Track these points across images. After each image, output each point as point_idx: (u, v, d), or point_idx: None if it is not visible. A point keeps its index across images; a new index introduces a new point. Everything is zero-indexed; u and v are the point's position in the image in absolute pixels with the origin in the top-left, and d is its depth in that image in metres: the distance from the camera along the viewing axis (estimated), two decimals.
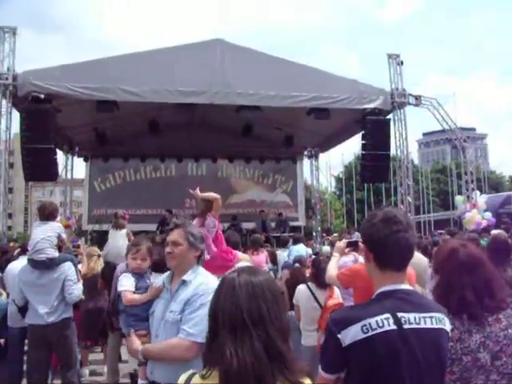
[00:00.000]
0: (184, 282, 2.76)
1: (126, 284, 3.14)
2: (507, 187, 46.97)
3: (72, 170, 17.02)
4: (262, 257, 8.52)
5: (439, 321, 1.78)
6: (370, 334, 1.69)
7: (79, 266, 6.45)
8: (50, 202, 5.55)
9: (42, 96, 10.49)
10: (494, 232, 8.14)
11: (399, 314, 1.72)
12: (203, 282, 2.73)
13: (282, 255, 9.85)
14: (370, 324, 1.70)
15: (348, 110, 12.39)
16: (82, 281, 5.43)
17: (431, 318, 1.76)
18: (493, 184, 41.64)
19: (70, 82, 10.56)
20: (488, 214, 13.64)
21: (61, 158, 15.61)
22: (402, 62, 13.16)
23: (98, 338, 7.10)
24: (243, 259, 4.95)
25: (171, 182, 17.06)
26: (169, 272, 2.97)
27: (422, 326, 1.73)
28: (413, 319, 1.73)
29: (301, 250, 10.04)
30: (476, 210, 13.43)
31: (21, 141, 10.62)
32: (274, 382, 1.41)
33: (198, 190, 5.20)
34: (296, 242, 10.64)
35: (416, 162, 54.15)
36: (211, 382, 1.45)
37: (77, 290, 4.99)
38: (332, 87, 11.78)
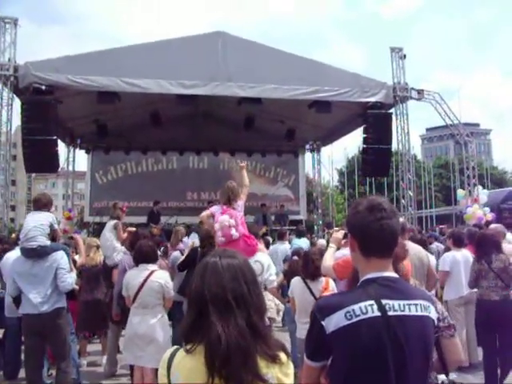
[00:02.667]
0: None
1: None
2: (510, 183, 46.78)
3: (74, 162, 17.05)
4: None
5: (424, 308, 1.77)
6: (354, 320, 1.68)
7: (76, 257, 6.49)
8: (44, 194, 5.58)
9: (44, 87, 10.48)
10: (492, 226, 8.13)
11: (383, 301, 1.71)
12: None
13: (280, 248, 9.67)
14: (353, 310, 1.69)
15: (350, 104, 12.38)
16: (75, 270, 5.44)
17: (416, 305, 1.75)
18: (496, 180, 41.47)
19: (71, 73, 10.55)
20: (487, 209, 13.61)
21: (63, 150, 15.66)
22: (404, 56, 13.11)
23: (96, 329, 7.13)
24: (261, 250, 4.96)
25: (173, 175, 17.10)
26: None
27: (407, 313, 1.72)
28: (397, 306, 1.72)
29: (303, 243, 9.96)
30: (477, 205, 13.40)
31: (22, 132, 10.64)
32: (255, 355, 1.52)
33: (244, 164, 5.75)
34: (299, 235, 10.58)
35: (419, 156, 54.06)
36: (196, 358, 1.53)
37: (70, 279, 4.98)
38: (334, 80, 11.74)
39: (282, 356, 1.61)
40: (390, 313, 1.70)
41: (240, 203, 4.94)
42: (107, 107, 12.08)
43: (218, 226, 4.30)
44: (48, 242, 4.95)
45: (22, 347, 6.17)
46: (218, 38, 11.44)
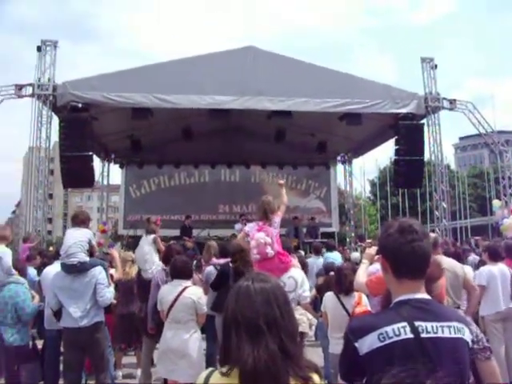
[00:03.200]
0: None
1: None
2: None
3: (108, 176, 17.45)
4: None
5: (458, 330, 1.77)
6: (387, 342, 1.69)
7: (112, 271, 6.63)
8: (82, 211, 5.76)
9: (80, 105, 10.87)
10: None
11: (416, 323, 1.72)
12: None
13: (317, 263, 9.69)
14: (386, 332, 1.70)
15: (381, 115, 12.33)
16: (113, 284, 5.57)
17: (449, 327, 1.76)
18: None
19: (106, 90, 10.89)
20: None
21: (98, 164, 16.06)
22: (435, 66, 13.02)
23: (131, 342, 7.24)
24: (295, 265, 4.98)
25: (205, 188, 17.29)
26: None
27: (440, 335, 1.73)
28: (430, 328, 1.72)
29: (336, 257, 9.94)
30: None
31: (59, 149, 10.99)
32: (287, 378, 1.55)
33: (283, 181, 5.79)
34: (330, 249, 10.54)
35: (452, 166, 53.03)
36: (231, 380, 1.57)
37: (109, 293, 5.12)
38: (364, 92, 11.74)
39: (315, 377, 1.62)
40: (423, 335, 1.71)
41: (277, 220, 4.96)
42: (141, 123, 12.35)
43: (254, 243, 4.33)
44: (87, 258, 5.10)
45: (61, 358, 6.37)
46: (248, 53, 11.61)
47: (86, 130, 10.94)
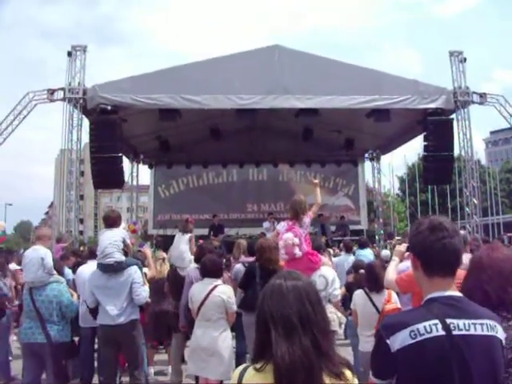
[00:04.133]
0: None
1: None
2: None
3: (137, 176, 17.77)
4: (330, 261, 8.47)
5: (491, 328, 1.76)
6: (419, 339, 1.70)
7: (145, 270, 6.76)
8: (113, 211, 5.86)
9: (109, 107, 11.08)
10: None
11: (448, 320, 1.72)
12: None
13: (347, 261, 9.61)
14: (418, 329, 1.71)
15: (409, 111, 12.19)
16: (147, 284, 5.68)
17: (482, 324, 1.75)
18: None
19: (134, 92, 11.08)
20: None
21: (127, 165, 16.33)
22: (464, 59, 12.80)
23: (163, 339, 7.36)
24: (326, 263, 5.00)
25: (233, 187, 17.39)
26: None
27: (472, 332, 1.73)
28: (462, 325, 1.73)
29: (368, 254, 9.84)
30: None
31: (90, 150, 11.23)
32: (320, 374, 1.59)
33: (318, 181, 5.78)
34: (362, 246, 10.45)
35: (483, 161, 51.98)
36: (265, 376, 1.61)
37: (144, 292, 5.23)
38: (391, 88, 11.64)
39: (347, 373, 1.66)
40: (455, 332, 1.71)
41: (307, 220, 4.97)
42: (169, 123, 12.51)
43: (282, 243, 4.37)
44: (123, 258, 5.22)
45: (95, 355, 6.53)
46: (274, 51, 11.64)
47: (116, 131, 11.16)
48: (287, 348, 1.57)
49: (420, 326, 1.72)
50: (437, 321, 1.73)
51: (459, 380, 1.68)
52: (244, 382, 1.66)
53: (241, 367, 1.72)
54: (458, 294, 1.84)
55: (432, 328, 1.71)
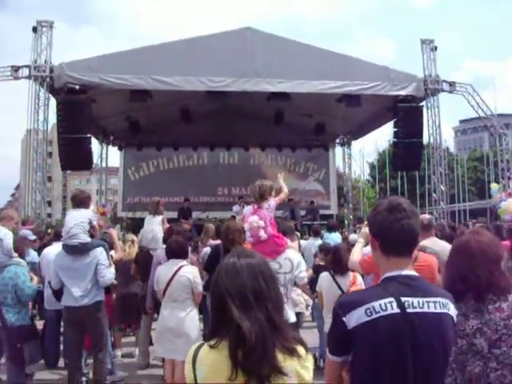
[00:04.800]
0: None
1: None
2: None
3: (107, 158, 17.49)
4: (296, 244, 8.53)
5: (443, 305, 1.81)
6: (374, 316, 1.73)
7: (111, 252, 6.69)
8: (82, 191, 5.74)
9: (77, 87, 10.83)
10: None
11: (403, 298, 1.76)
12: None
13: (314, 244, 9.74)
14: (373, 307, 1.74)
15: (380, 97, 12.30)
16: (113, 265, 5.62)
17: (435, 302, 1.79)
18: None
19: (103, 72, 10.84)
20: None
21: (96, 147, 16.06)
22: (435, 48, 12.95)
23: (131, 322, 7.33)
24: (291, 247, 5.02)
25: (204, 171, 17.32)
26: None
27: (426, 310, 1.77)
28: (416, 303, 1.76)
29: (336, 238, 9.96)
30: None
31: (57, 131, 10.98)
32: (274, 349, 1.60)
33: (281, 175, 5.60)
34: (331, 229, 10.56)
35: (452, 149, 53.00)
36: (219, 352, 1.62)
37: (109, 274, 5.18)
38: (363, 74, 11.70)
39: (300, 349, 1.67)
40: (409, 310, 1.75)
41: (272, 203, 4.98)
42: (139, 105, 12.32)
43: (248, 226, 4.37)
44: (89, 239, 5.14)
45: (61, 338, 6.47)
46: (246, 34, 11.55)
47: (84, 111, 10.91)
48: (244, 323, 1.58)
49: (375, 304, 1.75)
50: (392, 299, 1.76)
51: (412, 356, 1.72)
52: (198, 360, 1.67)
53: (195, 345, 1.73)
54: (413, 273, 1.88)
55: (387, 306, 1.75)
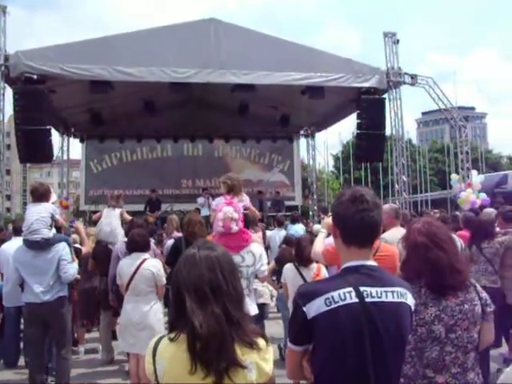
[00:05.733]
0: None
1: None
2: (505, 167, 46.84)
3: (68, 151, 17.07)
4: (260, 235, 8.56)
5: (401, 295, 1.84)
6: (333, 306, 1.74)
7: (78, 246, 6.56)
8: (41, 184, 5.57)
9: (35, 77, 10.47)
10: (486, 211, 8.17)
11: (361, 288, 1.78)
12: None
13: (279, 234, 9.84)
14: (332, 297, 1.75)
15: (343, 89, 12.39)
16: (77, 260, 5.50)
17: (393, 292, 1.82)
18: (491, 163, 41.57)
19: (63, 62, 10.52)
20: (483, 194, 13.67)
21: (57, 139, 15.67)
22: (397, 41, 13.14)
23: (93, 317, 7.20)
24: (255, 240, 5.02)
25: (168, 163, 17.15)
26: None
27: (384, 299, 1.79)
28: (375, 293, 1.78)
29: (299, 229, 10.07)
30: (471, 189, 13.47)
31: (14, 122, 10.62)
32: (232, 343, 1.60)
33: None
34: (294, 221, 10.66)
35: (414, 141, 53.98)
36: (178, 346, 1.61)
37: (72, 269, 5.05)
38: (326, 66, 11.76)
39: (260, 342, 1.68)
40: (368, 299, 1.77)
41: (247, 201, 5.01)
42: (101, 96, 12.03)
43: (222, 215, 4.31)
44: (51, 234, 5.00)
45: (21, 335, 6.31)
46: (210, 25, 11.42)
47: (43, 102, 10.58)
48: (199, 316, 1.57)
49: (335, 294, 1.76)
50: (351, 288, 1.77)
51: (370, 344, 1.74)
52: (158, 353, 1.66)
53: (155, 338, 1.72)
54: (373, 263, 1.89)
55: (346, 295, 1.76)
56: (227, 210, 4.34)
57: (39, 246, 4.92)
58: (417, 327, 2.18)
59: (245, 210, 4.78)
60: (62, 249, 5.00)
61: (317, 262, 4.92)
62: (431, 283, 2.27)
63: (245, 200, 5.00)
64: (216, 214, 4.53)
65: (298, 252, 5.20)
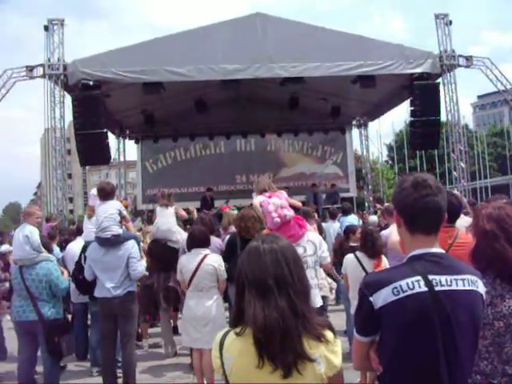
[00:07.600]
0: None
1: None
2: None
3: (124, 152, 17.62)
4: (315, 228, 8.51)
5: (472, 283, 1.77)
6: (401, 296, 1.70)
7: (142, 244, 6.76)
8: (107, 182, 5.80)
9: (91, 83, 10.86)
10: None
11: (430, 277, 1.72)
12: None
13: (332, 227, 9.78)
14: (400, 286, 1.71)
15: (395, 76, 12.11)
16: (145, 258, 5.68)
17: (463, 280, 1.75)
18: None
19: (116, 66, 10.87)
20: None
21: (113, 141, 16.17)
22: (450, 22, 12.69)
23: (155, 313, 7.39)
24: (309, 229, 5.02)
25: (221, 159, 17.30)
26: None
27: (454, 287, 1.73)
28: (444, 281, 1.73)
29: (353, 220, 9.95)
30: None
31: (74, 127, 11.07)
32: (298, 336, 1.58)
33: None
34: (346, 212, 10.54)
35: (471, 126, 52.10)
36: (245, 340, 1.61)
37: (140, 267, 5.23)
38: (377, 53, 11.51)
39: (328, 334, 1.65)
40: (437, 288, 1.71)
41: (284, 193, 4.98)
42: (153, 97, 12.34)
43: (272, 207, 4.32)
44: (120, 231, 5.22)
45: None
46: (256, 20, 11.43)
47: (99, 107, 10.98)
48: (262, 310, 1.56)
49: (403, 283, 1.72)
50: (419, 277, 1.72)
51: (441, 335, 1.69)
52: (225, 347, 1.66)
53: (221, 332, 1.72)
54: (440, 250, 1.83)
55: (414, 284, 1.71)
56: (273, 201, 4.36)
57: (110, 243, 5.13)
58: (494, 321, 2.07)
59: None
60: (132, 246, 5.19)
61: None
62: (503, 274, 2.15)
63: (280, 193, 4.99)
64: (265, 209, 4.54)
65: (365, 243, 5.09)
